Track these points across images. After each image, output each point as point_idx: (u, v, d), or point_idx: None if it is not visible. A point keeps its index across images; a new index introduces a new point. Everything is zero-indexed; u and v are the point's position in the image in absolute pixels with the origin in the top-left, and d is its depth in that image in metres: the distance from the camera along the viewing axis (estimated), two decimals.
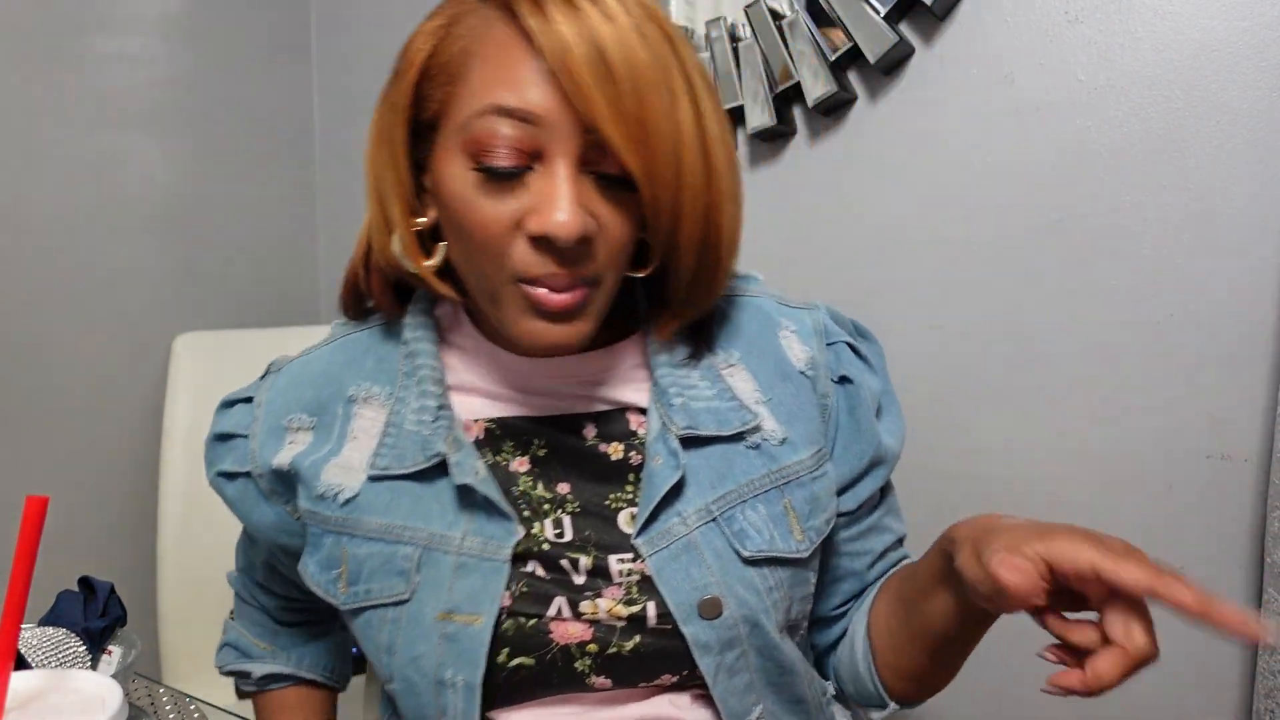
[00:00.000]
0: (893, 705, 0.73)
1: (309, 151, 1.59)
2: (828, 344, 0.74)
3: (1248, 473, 0.94)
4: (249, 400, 0.76)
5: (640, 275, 0.66)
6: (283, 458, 0.71)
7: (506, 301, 0.62)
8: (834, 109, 1.14)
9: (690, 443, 0.67)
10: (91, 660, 0.65)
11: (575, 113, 0.57)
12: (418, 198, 0.66)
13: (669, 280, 0.67)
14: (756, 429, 0.68)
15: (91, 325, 1.30)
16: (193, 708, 0.70)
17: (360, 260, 0.72)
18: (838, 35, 1.07)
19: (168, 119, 1.38)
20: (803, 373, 0.72)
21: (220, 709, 0.81)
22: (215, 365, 1.37)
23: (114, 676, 0.53)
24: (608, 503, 0.68)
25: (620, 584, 0.66)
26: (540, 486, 0.69)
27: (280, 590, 0.84)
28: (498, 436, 0.70)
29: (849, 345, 0.75)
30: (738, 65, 1.15)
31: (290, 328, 1.53)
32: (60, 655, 0.64)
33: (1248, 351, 0.93)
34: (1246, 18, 0.91)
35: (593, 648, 0.65)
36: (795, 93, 1.14)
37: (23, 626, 0.58)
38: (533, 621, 0.65)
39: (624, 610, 0.65)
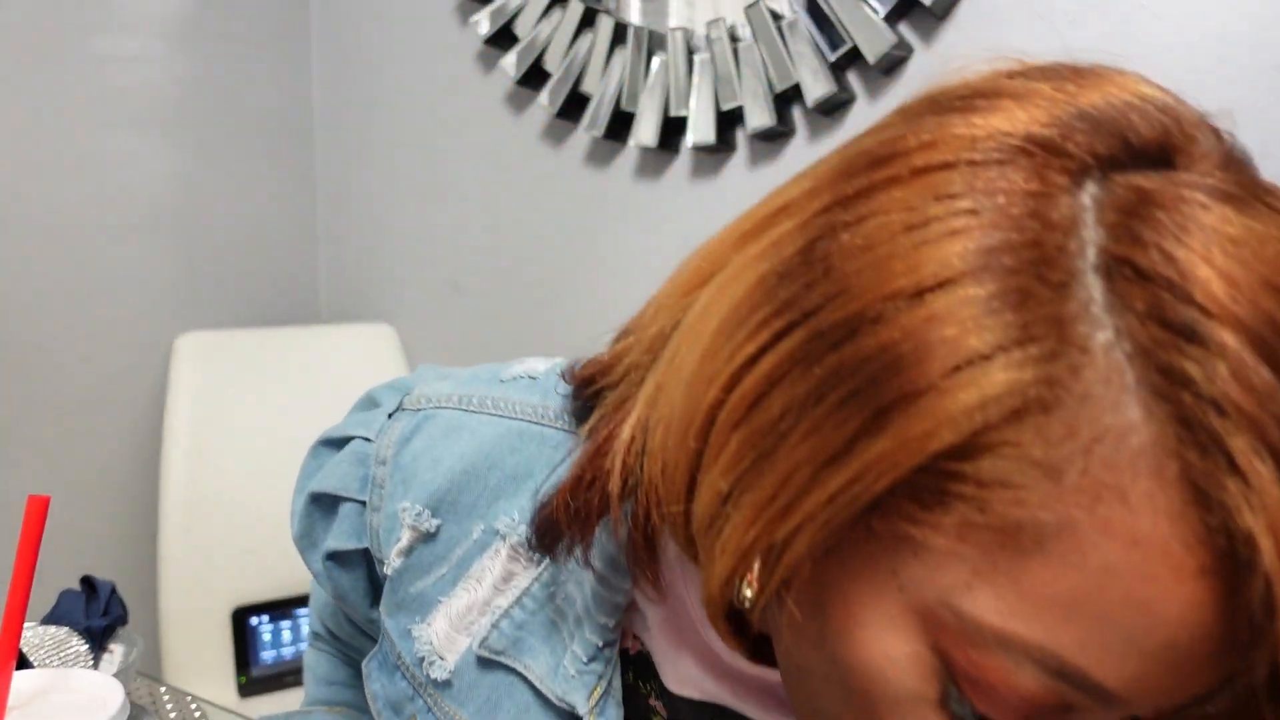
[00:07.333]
0: None
1: (309, 152, 1.59)
2: None
3: None
4: (366, 441, 0.57)
5: None
6: (395, 555, 0.55)
7: None
8: (834, 109, 1.14)
9: None
10: (93, 659, 0.65)
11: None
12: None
13: None
14: None
15: (92, 325, 1.31)
16: (194, 706, 0.70)
17: (642, 515, 0.43)
18: (837, 36, 1.08)
19: (168, 119, 1.38)
20: None
21: (221, 708, 0.81)
22: (216, 365, 1.37)
23: (115, 675, 0.53)
24: None
25: None
26: None
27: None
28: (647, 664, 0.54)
29: None
30: (738, 65, 1.16)
31: (290, 327, 1.53)
32: (62, 654, 0.64)
33: None
34: (1246, 17, 0.91)
35: None
36: (795, 93, 1.14)
37: (25, 626, 0.58)
38: None
39: None
